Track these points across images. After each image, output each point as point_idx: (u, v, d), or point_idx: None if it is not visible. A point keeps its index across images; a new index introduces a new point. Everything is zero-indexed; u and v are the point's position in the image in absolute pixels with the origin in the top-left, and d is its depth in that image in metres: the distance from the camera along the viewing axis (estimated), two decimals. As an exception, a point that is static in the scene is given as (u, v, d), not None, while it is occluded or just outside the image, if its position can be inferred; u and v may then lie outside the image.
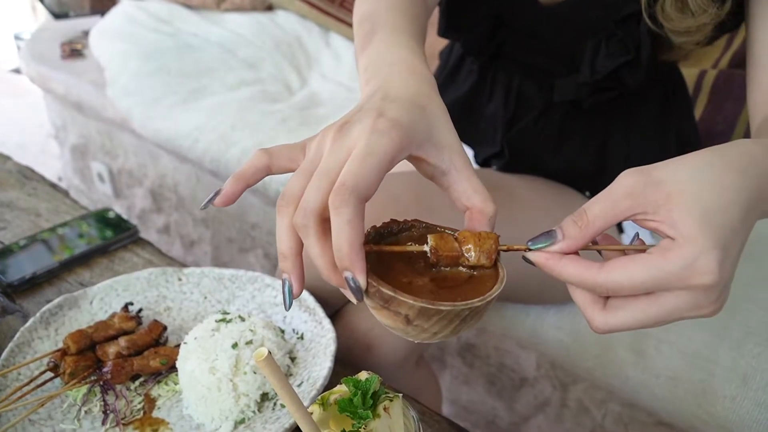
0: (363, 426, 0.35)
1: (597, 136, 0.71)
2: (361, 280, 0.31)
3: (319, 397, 0.36)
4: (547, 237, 0.34)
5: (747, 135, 1.02)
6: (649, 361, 0.78)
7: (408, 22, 0.47)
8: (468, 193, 0.36)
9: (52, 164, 2.11)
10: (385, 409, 0.36)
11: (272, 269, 1.37)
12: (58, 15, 1.85)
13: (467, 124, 0.76)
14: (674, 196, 0.32)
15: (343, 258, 0.31)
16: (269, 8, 1.59)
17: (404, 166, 0.41)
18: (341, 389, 0.37)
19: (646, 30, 0.58)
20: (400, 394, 0.37)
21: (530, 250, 0.34)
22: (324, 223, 0.33)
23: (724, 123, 1.01)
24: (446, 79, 0.79)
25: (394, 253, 0.35)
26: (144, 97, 1.38)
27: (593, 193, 0.75)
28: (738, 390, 0.73)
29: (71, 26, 1.89)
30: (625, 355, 0.80)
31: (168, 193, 1.57)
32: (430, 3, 0.58)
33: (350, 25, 1.50)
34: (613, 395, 0.90)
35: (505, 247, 0.35)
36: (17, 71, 2.98)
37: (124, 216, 1.69)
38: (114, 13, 1.73)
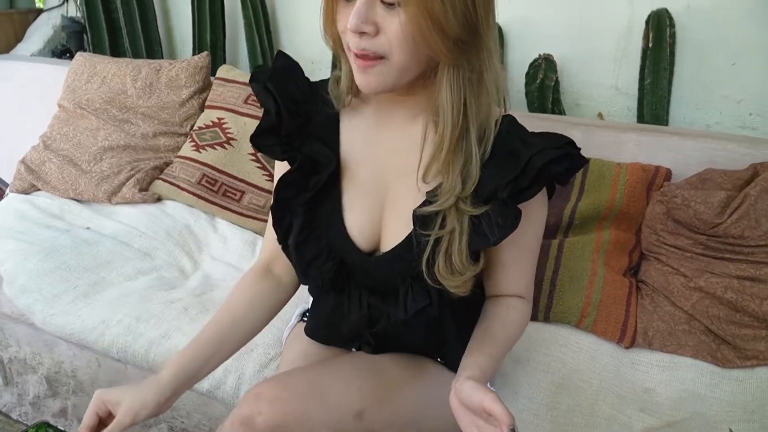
0: None
1: (436, 326, 0.96)
2: None
3: None
4: None
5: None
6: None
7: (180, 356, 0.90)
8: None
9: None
10: None
11: (177, 442, 1.48)
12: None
13: (333, 333, 0.99)
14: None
15: None
16: (159, 200, 1.79)
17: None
18: None
19: (431, 285, 0.83)
20: None
21: None
22: None
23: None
24: (314, 303, 1.04)
25: None
26: (44, 294, 1.49)
27: (444, 360, 1.02)
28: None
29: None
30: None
31: (65, 378, 1.64)
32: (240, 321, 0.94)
33: (233, 210, 1.74)
34: None
35: None
36: None
37: (16, 405, 1.72)
38: (1, 209, 1.83)
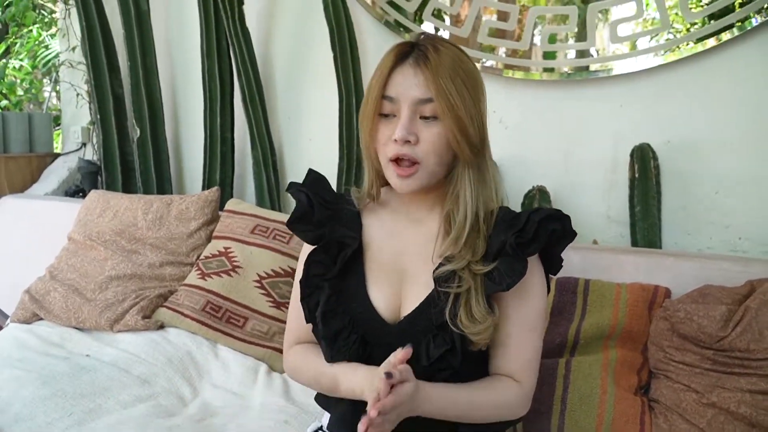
0: None
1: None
2: None
3: None
4: None
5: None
6: None
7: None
8: None
9: None
10: None
11: None
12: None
13: (358, 419, 0.98)
14: None
15: None
16: (161, 327, 1.79)
17: None
18: None
19: (455, 332, 0.92)
20: None
21: None
22: None
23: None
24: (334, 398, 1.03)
25: None
26: (38, 422, 1.44)
27: None
28: None
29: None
30: None
31: None
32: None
33: (236, 337, 1.73)
34: None
35: None
36: None
37: None
38: (1, 338, 1.82)
